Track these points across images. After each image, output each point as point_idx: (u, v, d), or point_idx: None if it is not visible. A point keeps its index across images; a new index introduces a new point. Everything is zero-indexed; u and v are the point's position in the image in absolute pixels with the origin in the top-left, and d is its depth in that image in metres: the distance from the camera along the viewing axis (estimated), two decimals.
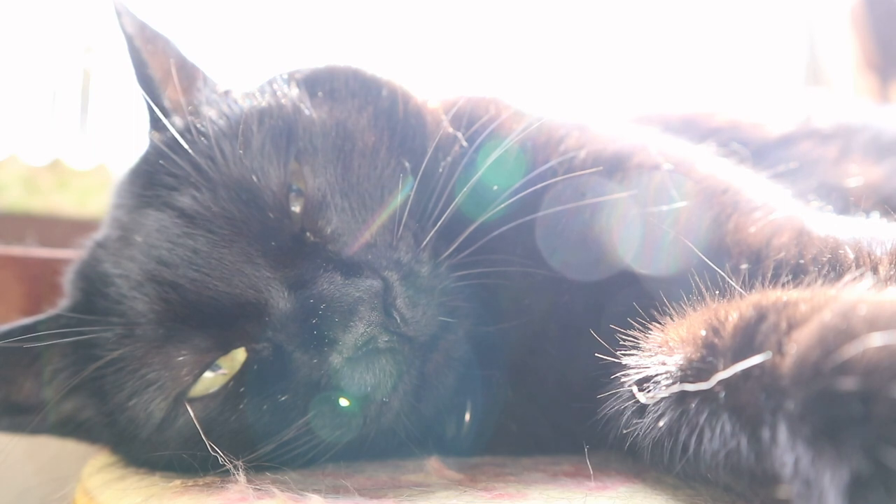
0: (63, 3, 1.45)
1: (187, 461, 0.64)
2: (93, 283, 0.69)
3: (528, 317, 0.69)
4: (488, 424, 0.72)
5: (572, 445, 0.70)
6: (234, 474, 0.56)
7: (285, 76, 0.73)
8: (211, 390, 0.63)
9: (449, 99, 0.78)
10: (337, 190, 0.66)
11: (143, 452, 0.67)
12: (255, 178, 0.65)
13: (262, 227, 0.64)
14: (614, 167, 0.70)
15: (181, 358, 0.63)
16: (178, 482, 0.59)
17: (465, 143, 0.72)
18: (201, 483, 0.58)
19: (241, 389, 0.63)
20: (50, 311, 0.71)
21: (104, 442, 0.73)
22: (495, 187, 0.68)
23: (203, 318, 0.63)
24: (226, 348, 0.63)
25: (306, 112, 0.69)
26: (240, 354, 0.64)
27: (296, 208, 0.65)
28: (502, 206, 0.67)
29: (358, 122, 0.70)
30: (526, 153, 0.72)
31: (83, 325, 0.66)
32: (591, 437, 0.63)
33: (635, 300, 0.61)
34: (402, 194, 0.67)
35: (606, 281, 0.67)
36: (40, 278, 1.09)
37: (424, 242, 0.65)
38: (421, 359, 0.63)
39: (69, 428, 0.73)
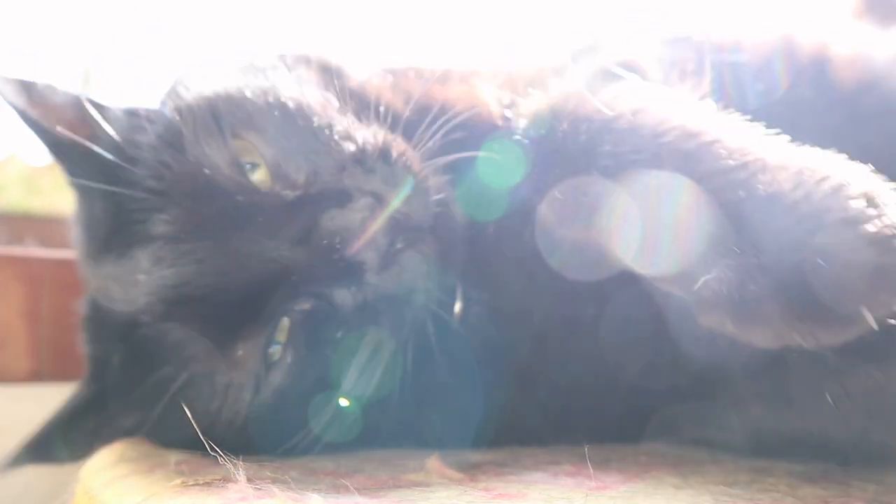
0: (63, 4, 1.45)
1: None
2: (126, 338, 0.70)
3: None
4: (490, 421, 0.71)
5: (573, 443, 0.70)
6: (234, 474, 0.56)
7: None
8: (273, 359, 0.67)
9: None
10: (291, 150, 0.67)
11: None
12: (206, 171, 0.66)
13: (240, 211, 0.65)
14: None
15: (240, 353, 0.66)
16: (178, 481, 0.59)
17: None
18: (202, 482, 0.58)
19: (297, 349, 0.66)
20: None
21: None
22: None
23: (239, 311, 0.65)
24: (274, 324, 0.66)
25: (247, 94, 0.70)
26: (285, 323, 0.66)
27: (258, 177, 0.66)
28: None
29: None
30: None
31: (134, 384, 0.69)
32: (593, 436, 0.63)
33: None
34: None
35: None
36: (40, 278, 1.10)
37: (395, 156, 0.68)
38: (433, 239, 0.66)
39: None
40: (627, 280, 0.58)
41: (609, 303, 0.67)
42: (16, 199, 1.34)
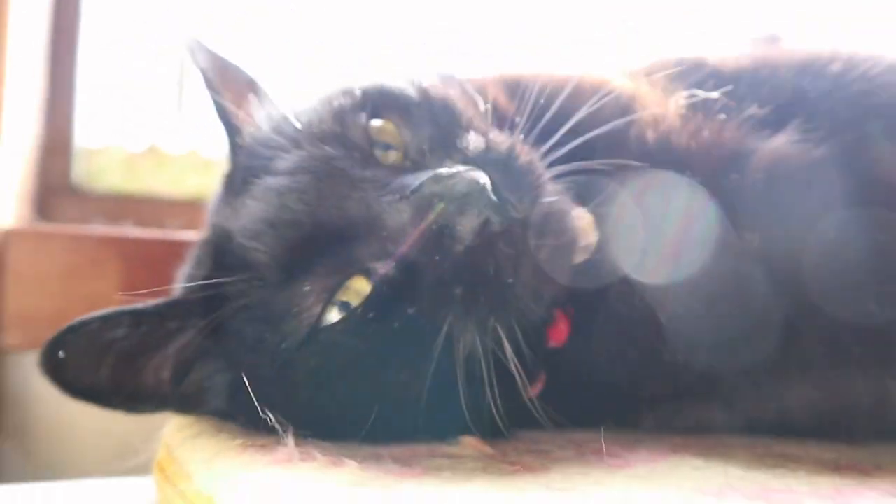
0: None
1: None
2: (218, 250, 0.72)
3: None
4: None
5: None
6: (283, 437, 0.63)
7: None
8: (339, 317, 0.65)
9: None
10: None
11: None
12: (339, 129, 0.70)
13: (357, 161, 0.67)
14: None
15: (307, 288, 0.65)
16: (239, 441, 0.67)
17: None
18: (259, 444, 0.65)
19: (370, 314, 0.64)
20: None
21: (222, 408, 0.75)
22: None
23: (321, 249, 0.65)
24: (348, 273, 0.65)
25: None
26: (363, 284, 0.65)
27: (392, 158, 0.69)
28: None
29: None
30: None
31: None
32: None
33: None
34: None
35: None
36: (137, 256, 1.22)
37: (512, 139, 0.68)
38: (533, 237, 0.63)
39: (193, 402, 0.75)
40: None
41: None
42: (115, 182, 1.46)
